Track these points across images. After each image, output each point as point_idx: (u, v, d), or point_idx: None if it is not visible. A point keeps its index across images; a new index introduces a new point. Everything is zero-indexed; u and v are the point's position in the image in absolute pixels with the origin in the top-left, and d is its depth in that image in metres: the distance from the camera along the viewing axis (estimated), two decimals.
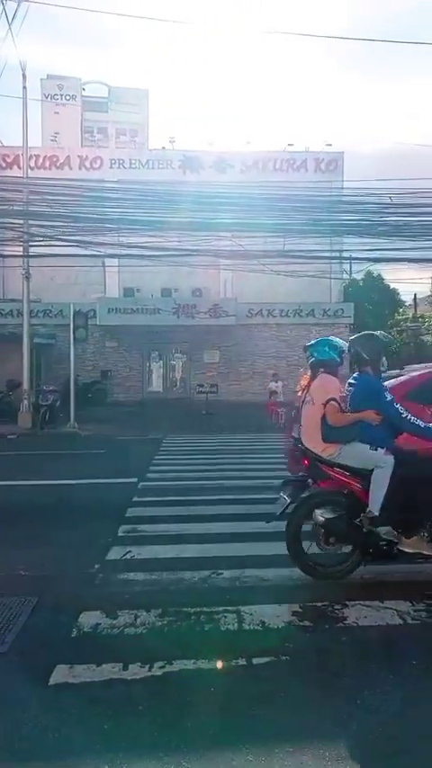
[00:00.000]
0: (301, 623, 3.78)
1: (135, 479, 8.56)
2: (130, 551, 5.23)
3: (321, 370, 4.62)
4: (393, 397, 4.42)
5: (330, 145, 26.36)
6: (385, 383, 4.82)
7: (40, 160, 23.52)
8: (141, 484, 8.37)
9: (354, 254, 19.94)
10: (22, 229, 15.37)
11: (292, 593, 4.24)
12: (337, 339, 4.90)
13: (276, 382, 17.68)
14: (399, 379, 6.69)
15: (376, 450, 4.30)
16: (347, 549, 4.50)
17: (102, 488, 8.27)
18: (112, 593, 4.32)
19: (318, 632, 3.67)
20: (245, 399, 23.34)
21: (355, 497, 4.39)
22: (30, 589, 4.34)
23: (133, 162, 24.53)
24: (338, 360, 4.68)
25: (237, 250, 17.01)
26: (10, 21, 13.98)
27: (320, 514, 4.44)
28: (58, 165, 23.93)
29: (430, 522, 4.36)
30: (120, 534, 5.79)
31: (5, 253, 17.46)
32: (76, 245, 15.50)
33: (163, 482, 8.58)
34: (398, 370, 7.46)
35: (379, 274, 34.72)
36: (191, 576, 4.60)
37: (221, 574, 4.64)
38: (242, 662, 3.28)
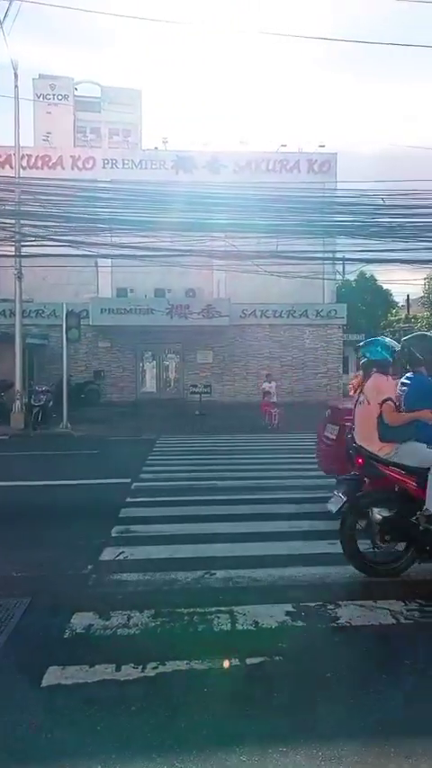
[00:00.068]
0: (295, 623, 3.78)
1: (128, 480, 8.54)
2: (123, 552, 5.21)
3: (374, 370, 4.66)
4: None
5: (323, 146, 26.45)
6: None
7: (33, 160, 23.44)
8: (135, 484, 8.36)
9: (347, 255, 20.03)
10: (14, 229, 15.30)
11: (285, 594, 4.24)
12: (389, 339, 4.96)
13: (270, 383, 17.68)
14: None
15: None
16: (401, 546, 4.54)
17: (95, 489, 8.24)
18: (106, 593, 4.31)
19: (311, 632, 3.67)
20: (238, 400, 23.36)
21: (411, 496, 4.42)
22: (22, 590, 4.32)
23: (126, 162, 24.48)
24: (390, 360, 4.71)
25: (230, 250, 17.00)
26: (1, 20, 13.94)
27: (377, 512, 4.48)
28: (50, 164, 23.85)
29: None
30: (113, 535, 5.78)
31: None
32: (69, 245, 15.45)
33: (156, 482, 8.56)
34: None
35: (372, 275, 34.86)
36: (184, 577, 4.59)
37: (215, 574, 4.64)
38: (235, 662, 3.28)
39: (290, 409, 17.92)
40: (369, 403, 4.53)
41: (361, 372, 4.82)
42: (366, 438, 4.56)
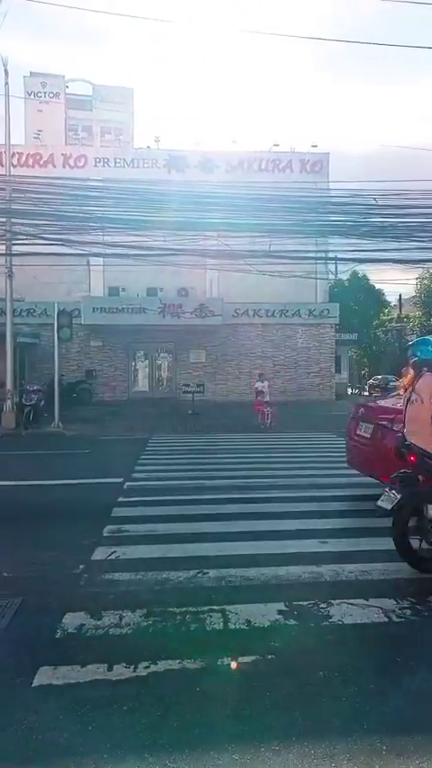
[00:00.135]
0: (287, 622, 3.78)
1: (121, 479, 8.52)
2: (115, 551, 5.20)
3: (425, 369, 4.67)
4: None
5: (316, 146, 26.47)
6: None
7: (24, 158, 23.34)
8: (127, 484, 8.33)
9: (339, 255, 20.05)
10: (4, 227, 15.21)
11: (277, 593, 4.24)
12: None
13: (262, 382, 17.67)
14: None
15: None
16: None
17: (87, 488, 8.21)
18: (97, 593, 4.29)
19: (303, 631, 3.68)
20: (231, 399, 23.39)
21: None
22: (14, 590, 4.30)
23: (118, 161, 24.42)
24: None
25: (223, 250, 17.01)
26: None
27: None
28: (41, 162, 23.76)
29: None
30: (105, 534, 5.75)
31: None
32: (60, 244, 15.38)
33: (149, 482, 8.54)
34: None
35: (364, 275, 34.97)
36: (176, 576, 4.58)
37: (207, 573, 4.63)
38: (228, 661, 3.28)
39: (282, 408, 17.96)
40: (422, 401, 4.56)
41: (411, 371, 4.82)
42: (420, 436, 4.58)
